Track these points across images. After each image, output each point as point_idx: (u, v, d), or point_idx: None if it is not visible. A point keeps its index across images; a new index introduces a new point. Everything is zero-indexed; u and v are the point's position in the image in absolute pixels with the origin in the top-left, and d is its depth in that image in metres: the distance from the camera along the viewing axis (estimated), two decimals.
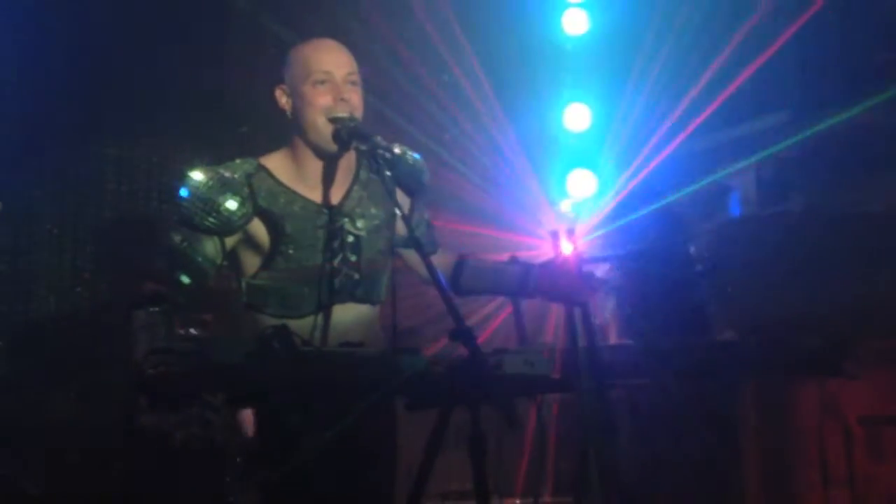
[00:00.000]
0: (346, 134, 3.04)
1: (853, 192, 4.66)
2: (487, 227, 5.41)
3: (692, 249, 4.50)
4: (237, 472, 3.64)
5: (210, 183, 3.04)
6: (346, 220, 3.16)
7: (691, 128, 5.39)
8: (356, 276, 3.14)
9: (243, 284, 3.14)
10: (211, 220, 3.02)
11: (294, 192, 3.13)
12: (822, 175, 4.86)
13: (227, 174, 3.07)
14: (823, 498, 4.07)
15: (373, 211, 3.22)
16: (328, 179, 3.17)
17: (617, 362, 3.25)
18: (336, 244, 3.12)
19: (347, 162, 3.21)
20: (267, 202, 3.09)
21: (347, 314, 3.12)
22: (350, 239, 3.15)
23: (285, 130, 3.23)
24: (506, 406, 2.37)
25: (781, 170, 5.12)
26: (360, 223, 3.18)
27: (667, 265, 4.39)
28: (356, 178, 3.25)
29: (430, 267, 2.72)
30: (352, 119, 3.06)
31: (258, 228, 3.10)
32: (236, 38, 5.12)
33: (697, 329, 4.26)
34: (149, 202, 5.05)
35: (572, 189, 6.18)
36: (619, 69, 5.87)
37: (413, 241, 2.93)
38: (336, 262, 3.11)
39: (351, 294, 3.13)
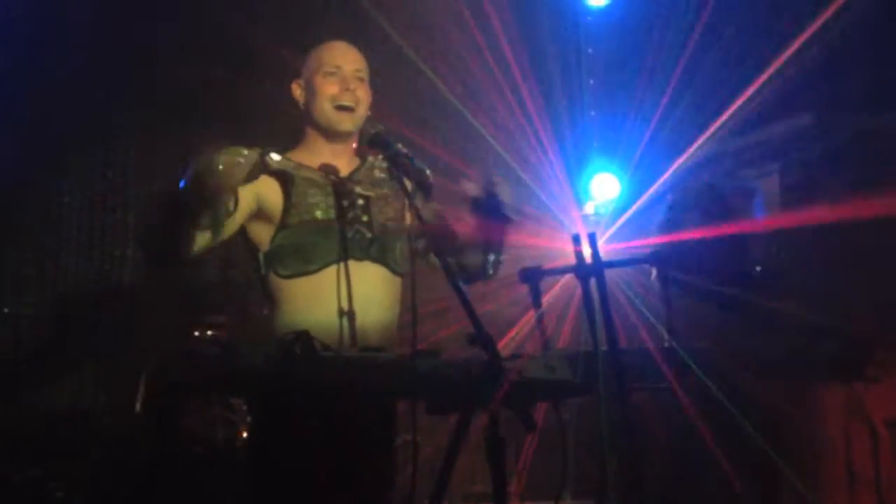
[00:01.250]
0: (366, 141, 3.12)
1: (876, 197, 4.64)
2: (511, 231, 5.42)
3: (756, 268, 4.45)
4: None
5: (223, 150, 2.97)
6: (356, 185, 3.29)
7: (711, 130, 5.37)
8: (368, 234, 3.22)
9: (261, 257, 3.21)
10: (224, 174, 2.92)
11: (306, 165, 3.28)
12: (846, 178, 4.84)
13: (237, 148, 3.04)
14: (849, 499, 4.06)
15: (381, 188, 3.34)
16: (338, 158, 3.32)
17: (638, 366, 3.26)
18: (346, 202, 3.22)
19: (352, 154, 3.38)
20: (276, 167, 3.22)
21: (367, 274, 3.17)
22: (360, 201, 3.26)
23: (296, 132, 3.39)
24: (524, 410, 2.38)
25: (805, 173, 5.11)
26: (368, 189, 3.30)
27: (722, 271, 4.35)
28: (362, 165, 3.38)
29: (447, 270, 2.74)
30: (374, 127, 3.13)
31: (269, 191, 3.19)
32: (264, 46, 5.16)
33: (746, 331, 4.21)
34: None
35: (596, 193, 6.20)
36: (642, 73, 5.87)
37: (429, 239, 2.97)
38: (349, 216, 3.20)
39: (365, 251, 3.19)
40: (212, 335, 2.86)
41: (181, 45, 5.04)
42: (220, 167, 2.85)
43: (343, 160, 3.33)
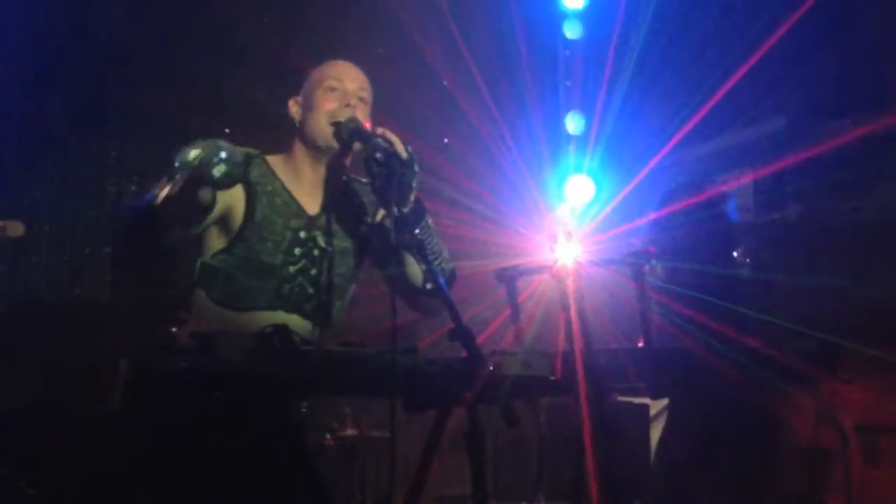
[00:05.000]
0: (346, 134, 3.05)
1: (848, 200, 4.68)
2: (486, 232, 5.42)
3: (737, 252, 4.46)
4: None
5: (207, 145, 2.89)
6: (319, 233, 3.16)
7: (683, 133, 5.40)
8: (310, 290, 3.12)
9: (197, 264, 3.09)
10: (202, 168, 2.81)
11: (284, 188, 3.15)
12: (818, 183, 4.88)
13: (227, 145, 2.94)
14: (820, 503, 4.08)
15: (349, 228, 3.22)
16: (317, 186, 3.20)
17: (615, 366, 3.27)
18: (300, 251, 3.12)
19: (340, 173, 3.23)
20: (255, 179, 3.10)
21: (294, 326, 2.84)
22: (316, 252, 3.14)
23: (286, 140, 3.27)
24: (504, 406, 2.37)
25: (778, 177, 5.14)
26: (334, 240, 3.17)
27: (708, 267, 4.34)
28: (347, 187, 3.25)
29: (431, 273, 2.72)
30: (352, 120, 3.07)
31: (236, 202, 3.06)
32: (243, 42, 5.15)
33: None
34: None
35: (570, 194, 6.21)
36: (618, 76, 5.90)
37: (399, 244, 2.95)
38: (294, 268, 3.11)
39: (299, 306, 3.09)
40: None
41: (168, 44, 5.00)
42: (196, 160, 2.77)
43: (327, 189, 3.20)
